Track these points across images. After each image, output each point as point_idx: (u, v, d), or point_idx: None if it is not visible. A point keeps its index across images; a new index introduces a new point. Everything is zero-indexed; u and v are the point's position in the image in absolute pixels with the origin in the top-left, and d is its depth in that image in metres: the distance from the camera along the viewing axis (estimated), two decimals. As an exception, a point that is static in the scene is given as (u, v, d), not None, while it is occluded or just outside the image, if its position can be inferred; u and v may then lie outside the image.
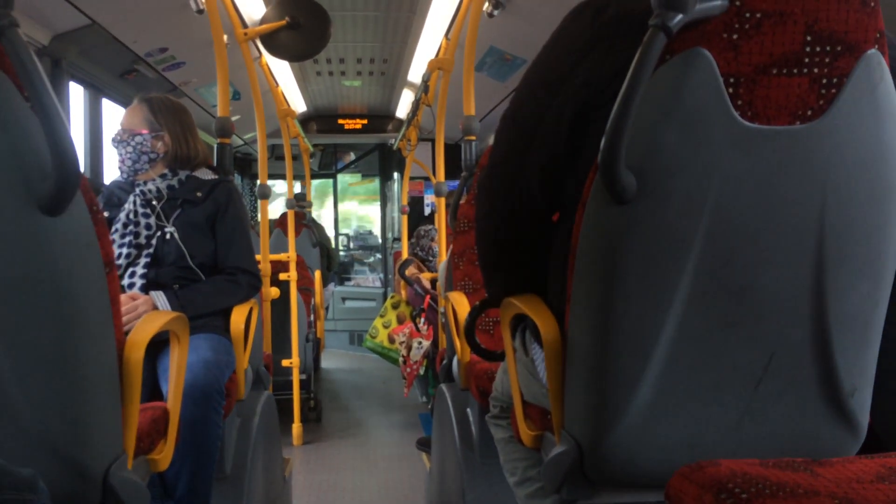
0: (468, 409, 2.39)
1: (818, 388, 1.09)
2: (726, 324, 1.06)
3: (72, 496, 1.10)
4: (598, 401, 1.09)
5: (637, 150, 0.99)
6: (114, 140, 2.18)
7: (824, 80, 0.99)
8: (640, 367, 1.06)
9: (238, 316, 2.15)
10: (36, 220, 1.00)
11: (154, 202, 2.16)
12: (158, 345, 1.89)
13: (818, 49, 0.98)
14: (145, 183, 2.18)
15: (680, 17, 0.94)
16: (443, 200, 3.37)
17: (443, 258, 3.38)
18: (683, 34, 0.97)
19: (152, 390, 1.94)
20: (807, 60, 0.99)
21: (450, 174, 3.86)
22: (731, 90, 0.98)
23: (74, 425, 1.08)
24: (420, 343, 4.16)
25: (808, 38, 0.98)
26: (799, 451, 1.06)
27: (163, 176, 2.19)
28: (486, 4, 3.34)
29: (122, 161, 2.17)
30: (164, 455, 1.45)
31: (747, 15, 0.97)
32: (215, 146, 2.53)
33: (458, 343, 2.40)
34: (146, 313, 1.91)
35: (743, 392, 1.08)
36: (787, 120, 1.00)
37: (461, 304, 2.29)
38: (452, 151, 3.99)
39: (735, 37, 0.98)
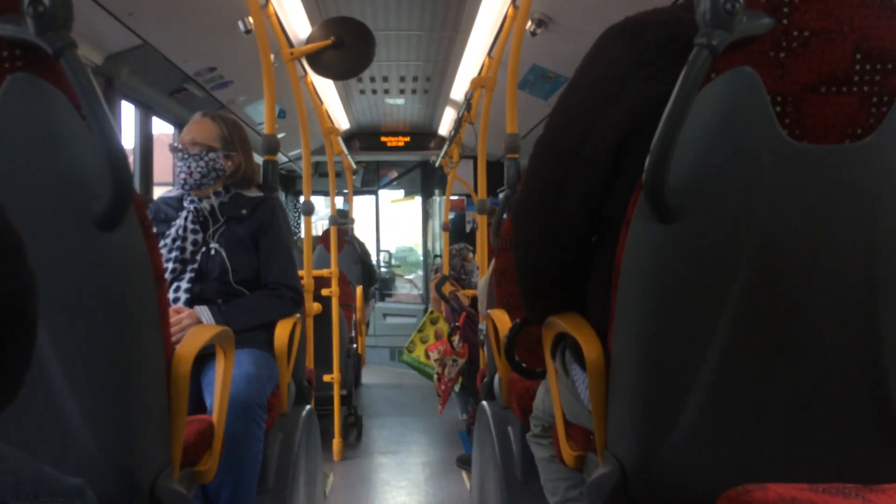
0: (509, 428, 2.37)
1: (870, 411, 1.07)
2: (774, 345, 1.04)
3: None
4: (642, 421, 1.08)
5: (682, 168, 0.98)
6: (182, 151, 2.19)
7: (874, 99, 0.98)
8: (685, 388, 1.04)
9: (282, 330, 2.17)
10: (90, 235, 1.03)
11: (203, 219, 2.19)
12: (202, 359, 1.91)
13: (868, 67, 0.97)
14: (200, 200, 2.21)
15: (726, 35, 0.94)
16: (485, 218, 3.37)
17: (483, 274, 3.37)
18: (729, 53, 0.97)
19: (196, 404, 1.96)
20: (856, 79, 0.98)
21: (490, 191, 3.86)
22: (778, 109, 0.98)
23: (124, 436, 1.11)
24: (455, 361, 4.15)
25: (858, 56, 0.97)
26: (849, 476, 1.03)
27: (217, 193, 2.23)
28: (529, 23, 3.35)
29: (188, 173, 2.18)
30: (210, 467, 1.47)
31: (795, 33, 0.96)
32: (261, 163, 2.57)
33: (499, 360, 2.40)
34: (190, 327, 1.95)
35: (791, 415, 1.06)
36: (837, 139, 0.99)
37: (503, 322, 2.28)
38: (493, 169, 4.00)
39: (782, 55, 0.97)
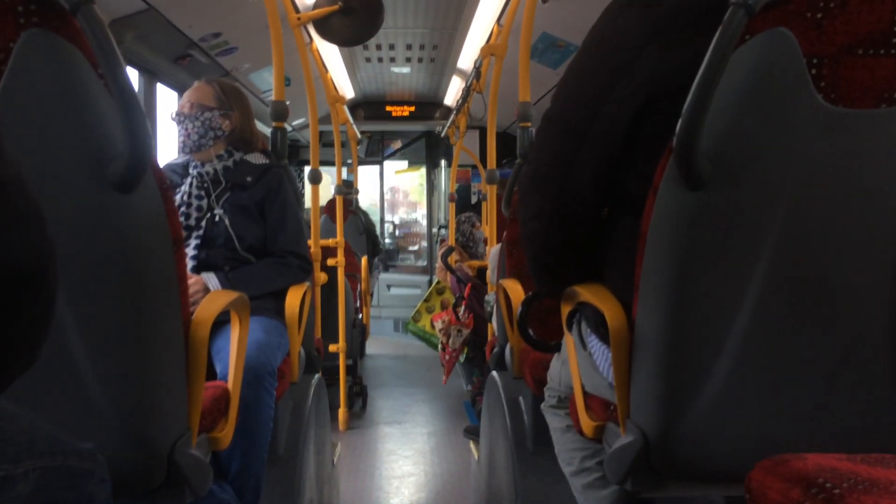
0: (520, 398, 2.37)
1: (896, 381, 1.05)
2: (802, 314, 1.02)
3: (138, 473, 1.12)
4: (666, 390, 1.07)
5: (713, 133, 0.96)
6: (179, 115, 2.19)
7: (913, 62, 0.95)
8: (711, 357, 1.03)
9: (293, 298, 2.16)
10: (108, 197, 1.01)
11: (208, 185, 2.17)
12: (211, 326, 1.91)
13: (908, 28, 0.94)
14: (203, 165, 2.20)
15: None
16: (494, 188, 3.34)
17: (492, 245, 3.35)
18: (764, 13, 0.94)
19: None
20: (895, 41, 0.95)
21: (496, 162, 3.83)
22: (814, 71, 0.95)
23: (143, 402, 1.09)
24: (459, 331, 4.15)
25: (897, 17, 0.94)
26: (876, 447, 1.02)
27: (220, 156, 2.21)
28: (540, -10, 3.30)
29: (187, 135, 2.18)
30: (226, 433, 1.46)
31: None
32: (270, 131, 2.54)
33: (510, 331, 2.38)
34: (197, 293, 1.94)
35: (817, 385, 1.05)
36: (872, 103, 0.96)
37: (515, 292, 2.26)
38: (500, 139, 3.96)
39: (819, 16, 0.94)
